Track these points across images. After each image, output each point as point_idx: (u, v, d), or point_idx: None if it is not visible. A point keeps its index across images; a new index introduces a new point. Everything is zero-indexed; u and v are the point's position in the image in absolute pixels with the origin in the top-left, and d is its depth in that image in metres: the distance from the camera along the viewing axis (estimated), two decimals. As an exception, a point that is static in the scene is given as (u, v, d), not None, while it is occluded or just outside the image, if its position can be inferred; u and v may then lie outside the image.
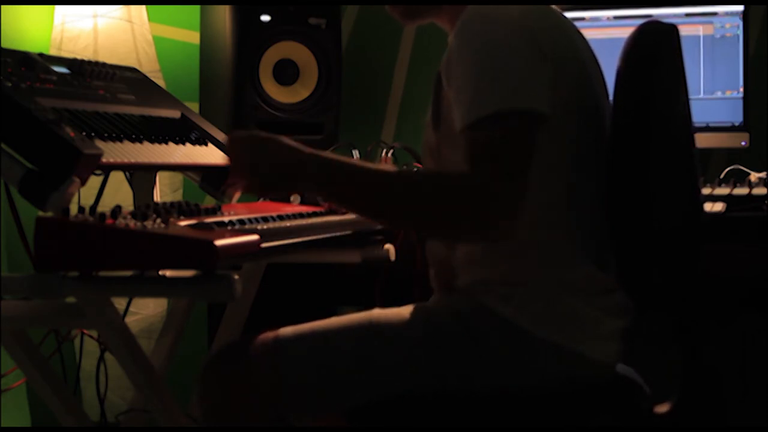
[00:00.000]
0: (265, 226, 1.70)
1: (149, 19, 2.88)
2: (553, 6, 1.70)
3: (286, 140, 1.65)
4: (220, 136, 2.12)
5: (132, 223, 1.52)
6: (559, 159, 1.62)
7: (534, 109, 1.54)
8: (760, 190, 2.26)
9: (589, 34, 2.64)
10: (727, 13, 2.59)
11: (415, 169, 1.80)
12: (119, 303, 2.26)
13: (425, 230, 1.73)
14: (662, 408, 1.66)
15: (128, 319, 2.66)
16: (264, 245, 1.67)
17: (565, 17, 1.71)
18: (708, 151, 2.69)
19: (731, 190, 2.27)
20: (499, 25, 1.57)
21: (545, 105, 1.55)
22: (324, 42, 2.67)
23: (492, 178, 1.49)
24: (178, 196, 2.80)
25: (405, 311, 1.66)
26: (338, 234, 1.93)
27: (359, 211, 1.66)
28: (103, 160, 1.69)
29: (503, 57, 1.55)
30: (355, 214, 1.82)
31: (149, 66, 2.80)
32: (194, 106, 2.81)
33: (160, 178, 2.14)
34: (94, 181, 1.84)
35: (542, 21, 1.61)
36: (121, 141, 1.81)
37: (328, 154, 1.64)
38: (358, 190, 1.58)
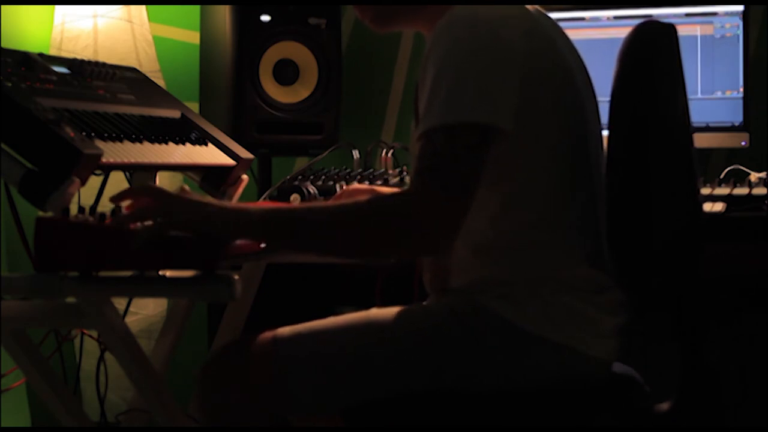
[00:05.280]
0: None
1: (149, 19, 2.88)
2: (537, 6, 1.69)
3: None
4: (221, 136, 2.12)
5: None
6: (548, 160, 1.62)
7: (482, 123, 1.51)
8: (760, 190, 2.26)
9: (589, 34, 2.66)
10: (727, 13, 2.59)
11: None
12: (119, 303, 2.26)
13: (362, 258, 1.73)
14: (661, 407, 1.66)
15: (128, 319, 2.66)
16: (264, 245, 1.68)
17: (548, 19, 1.70)
18: (708, 151, 2.69)
19: (731, 190, 2.27)
20: (469, 34, 1.55)
21: (501, 119, 1.52)
22: (324, 42, 2.67)
23: (430, 193, 1.48)
24: (178, 196, 2.80)
25: (403, 311, 1.66)
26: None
27: (298, 249, 1.64)
28: (103, 160, 1.69)
29: (463, 68, 1.53)
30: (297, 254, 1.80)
31: (149, 66, 2.81)
32: (194, 106, 2.81)
33: (160, 178, 2.14)
34: (94, 181, 1.84)
35: (523, 25, 1.59)
36: (121, 141, 1.81)
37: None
38: (298, 231, 1.55)
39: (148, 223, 1.52)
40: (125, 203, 1.63)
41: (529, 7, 1.65)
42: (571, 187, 1.65)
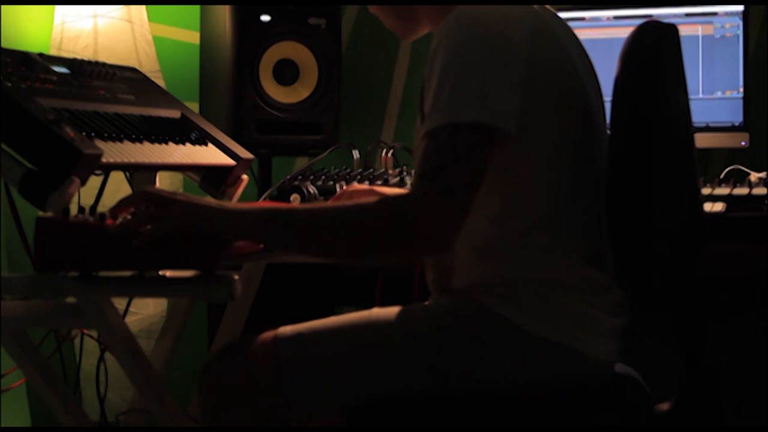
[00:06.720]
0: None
1: (149, 19, 2.88)
2: (547, 6, 1.69)
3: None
4: (221, 136, 2.12)
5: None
6: (552, 162, 1.62)
7: (485, 124, 1.51)
8: (760, 190, 2.26)
9: (589, 34, 2.66)
10: (727, 13, 2.59)
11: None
12: (119, 303, 2.26)
13: (363, 260, 1.73)
14: (662, 407, 1.66)
15: (128, 319, 2.66)
16: (264, 246, 1.68)
17: (558, 19, 1.70)
18: (708, 151, 2.69)
19: (731, 190, 2.27)
20: (472, 34, 1.55)
21: (503, 121, 1.52)
22: (324, 42, 2.67)
23: (433, 195, 1.48)
24: (178, 196, 2.80)
25: (404, 311, 1.66)
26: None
27: (298, 251, 1.65)
28: (103, 160, 1.69)
29: (467, 68, 1.53)
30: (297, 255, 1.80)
31: (149, 66, 2.81)
32: (194, 106, 2.81)
33: (160, 178, 2.14)
34: (94, 181, 1.84)
35: (529, 26, 1.59)
36: (121, 141, 1.81)
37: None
38: (299, 233, 1.55)
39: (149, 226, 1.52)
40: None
41: (537, 7, 1.65)
42: (573, 189, 1.64)
